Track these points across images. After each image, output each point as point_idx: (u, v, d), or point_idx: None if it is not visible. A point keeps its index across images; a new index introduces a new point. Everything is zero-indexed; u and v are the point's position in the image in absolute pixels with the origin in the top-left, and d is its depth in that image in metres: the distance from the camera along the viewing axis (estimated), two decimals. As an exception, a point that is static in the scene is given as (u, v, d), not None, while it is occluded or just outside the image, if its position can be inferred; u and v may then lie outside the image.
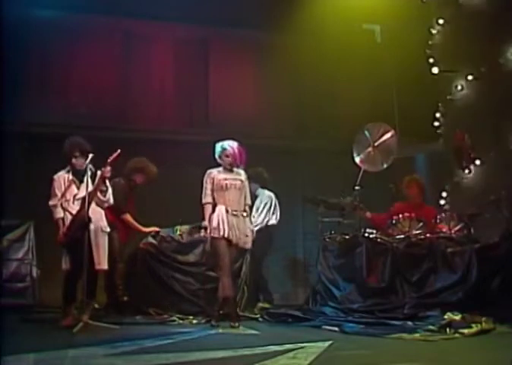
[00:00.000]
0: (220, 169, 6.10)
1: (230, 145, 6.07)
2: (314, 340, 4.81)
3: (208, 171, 6.09)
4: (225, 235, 5.84)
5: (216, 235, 5.87)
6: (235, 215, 5.95)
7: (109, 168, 5.79)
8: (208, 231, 5.95)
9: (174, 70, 9.52)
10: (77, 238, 5.71)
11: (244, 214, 6.05)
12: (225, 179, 6.00)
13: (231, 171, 6.08)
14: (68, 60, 8.83)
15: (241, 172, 6.15)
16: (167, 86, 9.47)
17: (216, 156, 6.11)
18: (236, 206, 5.98)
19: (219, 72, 9.53)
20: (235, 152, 6.05)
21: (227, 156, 6.04)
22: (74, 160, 5.94)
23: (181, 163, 8.19)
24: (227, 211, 5.91)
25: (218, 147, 6.11)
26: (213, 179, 6.01)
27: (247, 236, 5.98)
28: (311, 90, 9.56)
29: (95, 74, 8.87)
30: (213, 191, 6.00)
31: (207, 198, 6.00)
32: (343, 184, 7.14)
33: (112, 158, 5.79)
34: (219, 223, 5.85)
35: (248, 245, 6.05)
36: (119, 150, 5.80)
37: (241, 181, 6.07)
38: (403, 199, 7.13)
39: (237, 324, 5.81)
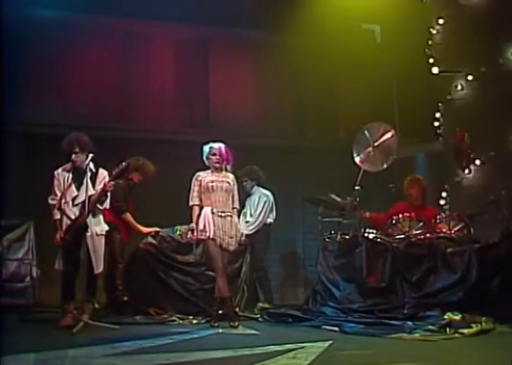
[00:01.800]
0: (208, 171, 6.13)
1: (217, 145, 6.13)
2: (314, 340, 4.81)
3: (196, 174, 6.14)
4: (211, 236, 5.87)
5: (203, 237, 5.93)
6: (221, 216, 5.96)
7: (112, 182, 5.78)
8: (195, 233, 5.99)
9: (174, 70, 9.51)
10: (74, 242, 5.73)
11: (232, 215, 6.05)
12: (212, 182, 6.03)
13: (219, 173, 6.10)
14: (68, 60, 8.82)
15: (230, 174, 6.18)
16: (167, 86, 9.46)
17: (204, 157, 6.17)
18: (223, 207, 6.00)
19: (219, 72, 9.52)
20: (221, 151, 6.11)
21: (214, 154, 6.09)
22: (73, 157, 5.85)
23: (181, 163, 8.18)
24: (213, 212, 5.94)
25: (205, 148, 6.18)
26: (201, 181, 6.06)
27: (231, 237, 5.97)
28: (311, 90, 9.56)
29: (95, 74, 8.87)
30: (200, 193, 6.04)
31: (193, 200, 6.05)
32: (343, 184, 7.13)
33: (117, 172, 5.78)
34: (205, 225, 5.90)
35: (232, 247, 6.01)
36: (125, 164, 5.80)
37: (229, 183, 6.08)
38: (403, 199, 7.12)
39: (236, 323, 5.83)
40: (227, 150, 6.16)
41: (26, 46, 8.40)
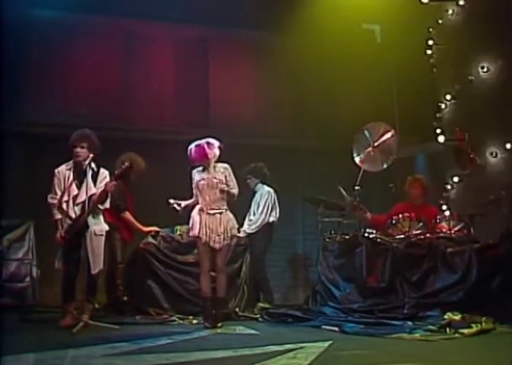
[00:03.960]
0: (200, 169, 6.15)
1: (193, 145, 6.10)
2: (314, 340, 4.80)
3: (192, 172, 6.17)
4: (197, 234, 5.91)
5: (190, 234, 6.03)
6: (209, 214, 5.97)
7: (114, 182, 5.79)
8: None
9: (174, 70, 9.52)
10: (75, 242, 5.72)
11: (222, 212, 6.02)
12: (200, 180, 6.06)
13: (208, 170, 6.07)
14: (69, 60, 8.83)
15: (220, 168, 6.10)
16: (167, 86, 9.47)
17: None
18: (212, 205, 6.00)
19: (219, 72, 9.53)
20: (191, 152, 6.08)
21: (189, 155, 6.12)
22: (78, 149, 5.82)
23: (181, 163, 8.19)
24: (202, 210, 5.97)
25: None
26: (193, 179, 6.13)
27: (219, 235, 5.95)
28: (311, 90, 9.57)
29: (95, 74, 8.88)
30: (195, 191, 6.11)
31: (193, 199, 6.15)
32: (344, 184, 7.12)
33: (119, 172, 5.82)
34: (193, 223, 5.97)
35: (218, 245, 5.95)
36: (127, 164, 5.87)
37: (218, 179, 6.03)
38: (403, 199, 7.11)
39: (211, 325, 5.75)
40: (198, 147, 6.04)
41: (26, 45, 8.41)
